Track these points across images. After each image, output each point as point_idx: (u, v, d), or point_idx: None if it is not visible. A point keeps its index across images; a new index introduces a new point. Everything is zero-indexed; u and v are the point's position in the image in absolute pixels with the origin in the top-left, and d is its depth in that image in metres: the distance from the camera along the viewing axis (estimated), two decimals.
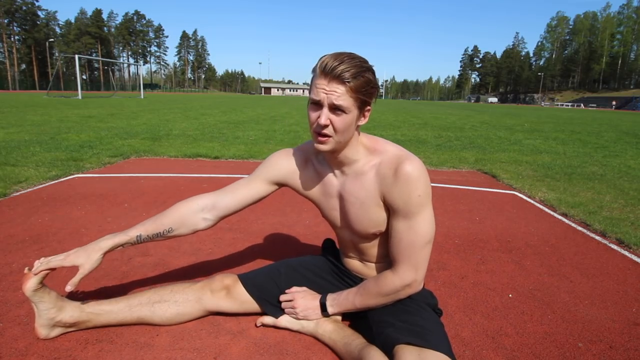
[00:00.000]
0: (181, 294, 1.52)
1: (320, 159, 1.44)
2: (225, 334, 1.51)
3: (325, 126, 1.19)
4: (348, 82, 1.14)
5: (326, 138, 1.22)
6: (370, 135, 1.39)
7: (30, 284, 1.34)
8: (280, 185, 1.52)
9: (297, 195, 1.58)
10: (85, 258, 1.36)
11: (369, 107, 1.25)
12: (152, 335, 1.47)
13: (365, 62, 1.19)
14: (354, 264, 1.56)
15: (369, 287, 1.39)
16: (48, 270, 1.35)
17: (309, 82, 1.26)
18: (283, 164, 1.49)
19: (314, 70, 1.20)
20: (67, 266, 1.36)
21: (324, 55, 1.18)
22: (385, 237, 1.40)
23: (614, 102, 75.81)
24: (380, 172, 1.29)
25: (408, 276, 1.31)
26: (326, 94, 1.16)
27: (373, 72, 1.20)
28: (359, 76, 1.15)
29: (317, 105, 1.20)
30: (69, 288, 1.31)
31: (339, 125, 1.19)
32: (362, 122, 1.26)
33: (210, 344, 1.45)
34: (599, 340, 1.56)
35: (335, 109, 1.18)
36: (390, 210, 1.32)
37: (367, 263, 1.52)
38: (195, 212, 1.49)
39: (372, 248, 1.46)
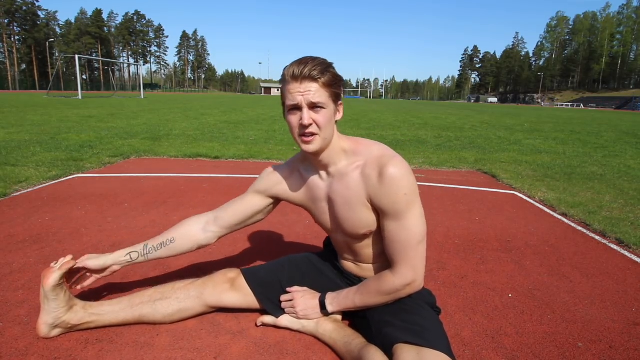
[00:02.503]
0: (183, 291, 1.53)
1: (306, 167, 1.47)
2: (225, 333, 1.51)
3: (309, 125, 1.24)
4: (319, 78, 1.21)
5: (312, 137, 1.26)
6: (350, 137, 1.42)
7: (53, 278, 1.38)
8: (274, 197, 1.58)
9: None
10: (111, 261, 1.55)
11: (340, 101, 1.32)
12: (152, 335, 1.48)
13: (326, 60, 1.27)
14: (350, 266, 1.57)
15: (370, 285, 1.40)
16: (71, 267, 1.43)
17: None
18: (270, 177, 1.56)
19: (282, 81, 1.27)
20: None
21: (287, 65, 1.25)
22: (377, 237, 1.41)
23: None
24: (365, 173, 1.31)
25: (408, 276, 1.32)
26: (302, 95, 1.22)
27: (334, 68, 1.28)
28: (326, 72, 1.23)
29: (295, 109, 1.26)
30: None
31: (321, 121, 1.25)
32: (338, 116, 1.34)
33: (210, 343, 1.45)
34: (599, 340, 1.56)
35: (314, 107, 1.23)
36: (379, 212, 1.33)
37: (361, 265, 1.53)
38: (195, 224, 1.61)
39: (366, 248, 1.46)
